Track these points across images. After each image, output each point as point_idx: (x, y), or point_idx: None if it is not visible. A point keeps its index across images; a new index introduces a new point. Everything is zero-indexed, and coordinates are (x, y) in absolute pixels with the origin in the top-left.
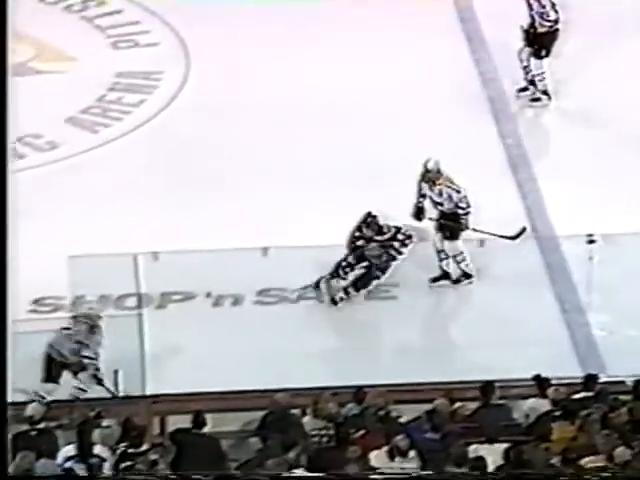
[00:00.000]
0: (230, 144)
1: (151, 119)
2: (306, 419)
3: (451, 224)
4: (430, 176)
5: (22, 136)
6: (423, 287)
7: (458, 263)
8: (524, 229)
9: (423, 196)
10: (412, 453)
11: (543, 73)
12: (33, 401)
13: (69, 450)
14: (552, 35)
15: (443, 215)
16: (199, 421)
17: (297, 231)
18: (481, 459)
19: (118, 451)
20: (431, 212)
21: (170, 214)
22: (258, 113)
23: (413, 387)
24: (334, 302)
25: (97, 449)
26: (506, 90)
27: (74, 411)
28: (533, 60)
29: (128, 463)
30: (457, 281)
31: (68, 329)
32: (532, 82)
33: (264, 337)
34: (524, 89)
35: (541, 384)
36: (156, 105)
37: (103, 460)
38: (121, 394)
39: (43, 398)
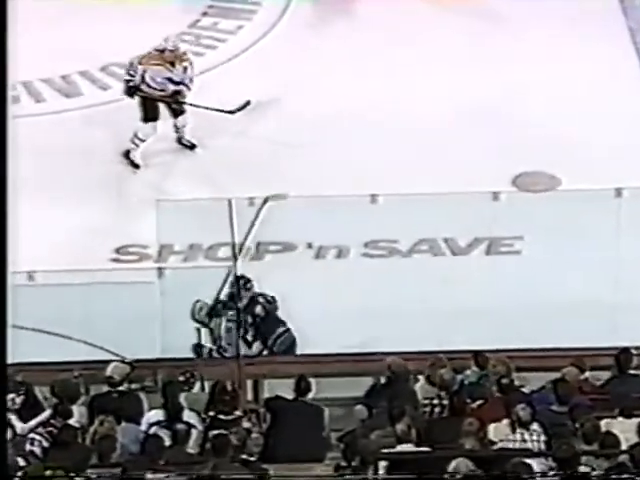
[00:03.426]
0: (334, 80)
1: (249, 48)
2: (417, 386)
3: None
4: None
5: (105, 65)
6: (548, 240)
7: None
8: (248, 102)
9: (134, 74)
10: (535, 426)
11: None
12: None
13: (154, 415)
14: None
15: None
16: (302, 387)
17: (409, 179)
18: (613, 435)
19: (207, 418)
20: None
21: (270, 155)
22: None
23: (538, 353)
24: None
25: (185, 415)
26: None
27: (159, 372)
28: None
29: (218, 431)
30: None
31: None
32: None
33: (371, 293)
34: None
35: None
36: (254, 33)
37: (191, 427)
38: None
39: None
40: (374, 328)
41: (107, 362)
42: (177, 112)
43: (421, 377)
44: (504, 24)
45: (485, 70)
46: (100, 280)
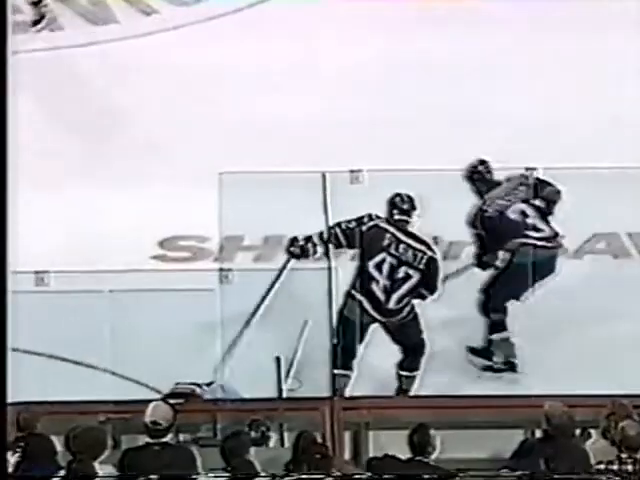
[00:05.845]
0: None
1: None
2: (589, 444)
3: None
4: None
5: None
6: None
7: None
8: None
9: None
10: None
11: None
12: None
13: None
14: None
15: None
16: (422, 441)
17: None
18: None
19: None
20: None
21: (380, 109)
22: None
23: None
24: None
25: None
26: None
27: (220, 417)
28: None
29: None
30: None
31: None
32: None
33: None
34: None
35: None
36: None
37: None
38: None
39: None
40: (526, 357)
41: (145, 402)
42: None
43: (594, 431)
44: None
45: None
46: (136, 286)
